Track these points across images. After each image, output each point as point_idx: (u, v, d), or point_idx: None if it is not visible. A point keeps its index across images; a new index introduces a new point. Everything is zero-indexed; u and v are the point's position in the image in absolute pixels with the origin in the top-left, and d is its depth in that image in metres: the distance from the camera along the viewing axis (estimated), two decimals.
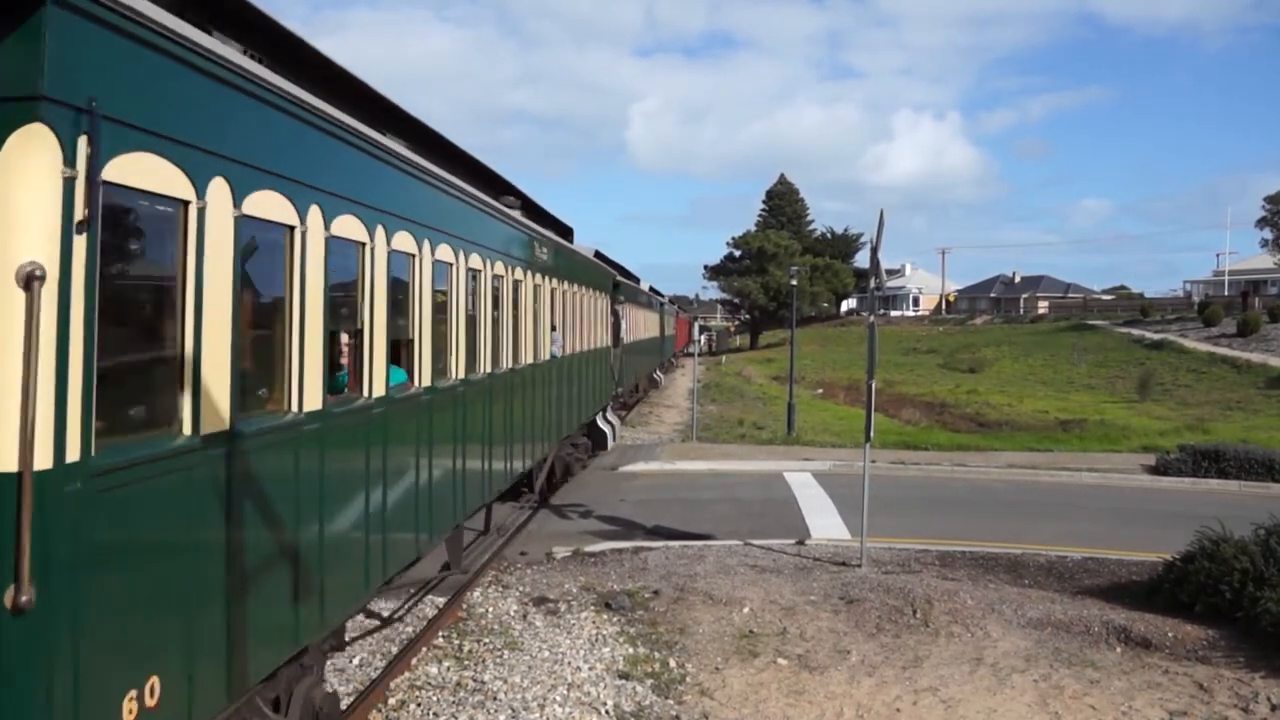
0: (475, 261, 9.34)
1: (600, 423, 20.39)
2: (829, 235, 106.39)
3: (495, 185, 11.77)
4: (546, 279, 13.26)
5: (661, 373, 45.75)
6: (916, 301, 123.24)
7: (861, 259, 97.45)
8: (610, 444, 20.84)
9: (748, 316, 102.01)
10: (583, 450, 19.30)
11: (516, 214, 11.68)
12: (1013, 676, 8.55)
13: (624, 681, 8.39)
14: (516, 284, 11.38)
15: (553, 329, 13.94)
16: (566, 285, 15.17)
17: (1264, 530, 10.30)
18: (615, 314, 21.56)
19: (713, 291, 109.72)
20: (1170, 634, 9.45)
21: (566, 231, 17.01)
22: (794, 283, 32.96)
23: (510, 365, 10.99)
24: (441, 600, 10.46)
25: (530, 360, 12.13)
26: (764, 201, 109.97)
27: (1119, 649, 9.29)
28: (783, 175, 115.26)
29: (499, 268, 10.39)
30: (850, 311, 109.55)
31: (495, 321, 10.26)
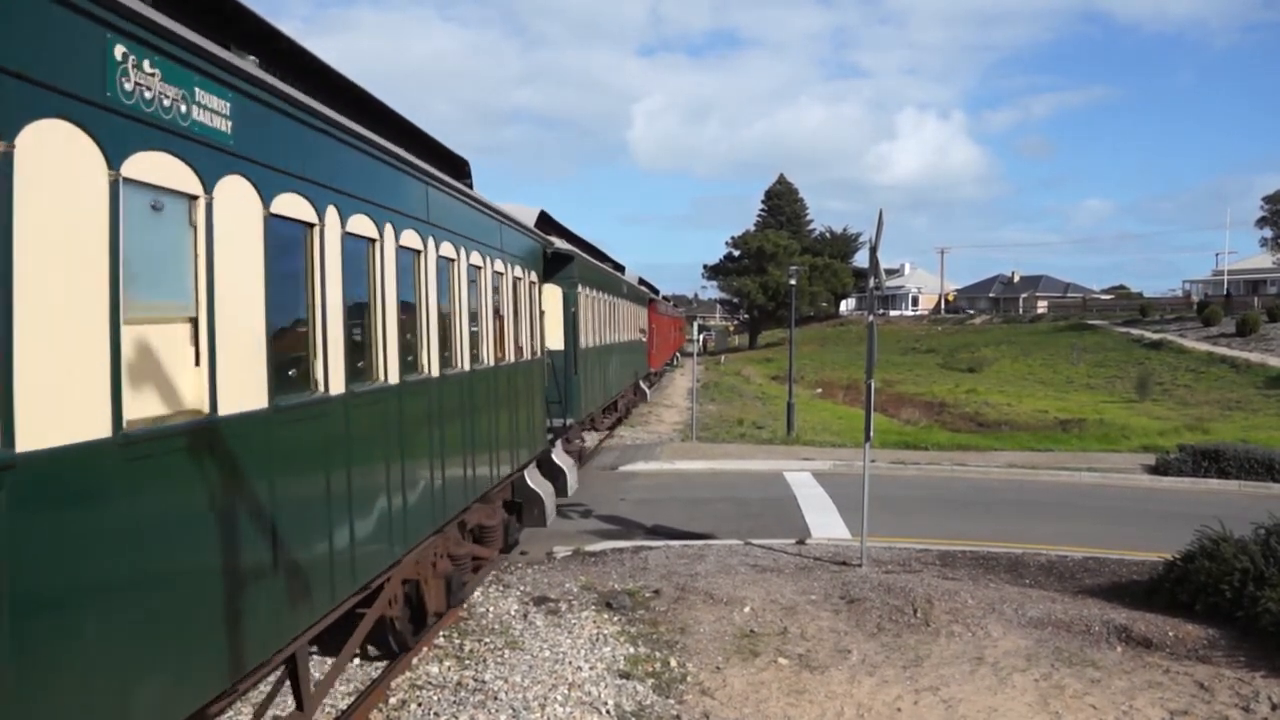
0: None
1: None
2: (828, 235, 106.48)
3: None
4: None
5: (570, 463, 15.42)
6: (915, 301, 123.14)
7: (860, 258, 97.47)
8: None
9: (747, 316, 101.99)
10: None
11: None
12: (1013, 676, 8.54)
13: (625, 681, 8.38)
14: None
15: None
16: None
17: (1264, 530, 10.30)
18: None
19: (712, 291, 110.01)
20: (1171, 633, 9.44)
21: None
22: (793, 282, 32.82)
23: None
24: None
25: None
26: (763, 201, 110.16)
27: (1120, 648, 9.29)
28: (781, 175, 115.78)
29: None
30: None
31: None
